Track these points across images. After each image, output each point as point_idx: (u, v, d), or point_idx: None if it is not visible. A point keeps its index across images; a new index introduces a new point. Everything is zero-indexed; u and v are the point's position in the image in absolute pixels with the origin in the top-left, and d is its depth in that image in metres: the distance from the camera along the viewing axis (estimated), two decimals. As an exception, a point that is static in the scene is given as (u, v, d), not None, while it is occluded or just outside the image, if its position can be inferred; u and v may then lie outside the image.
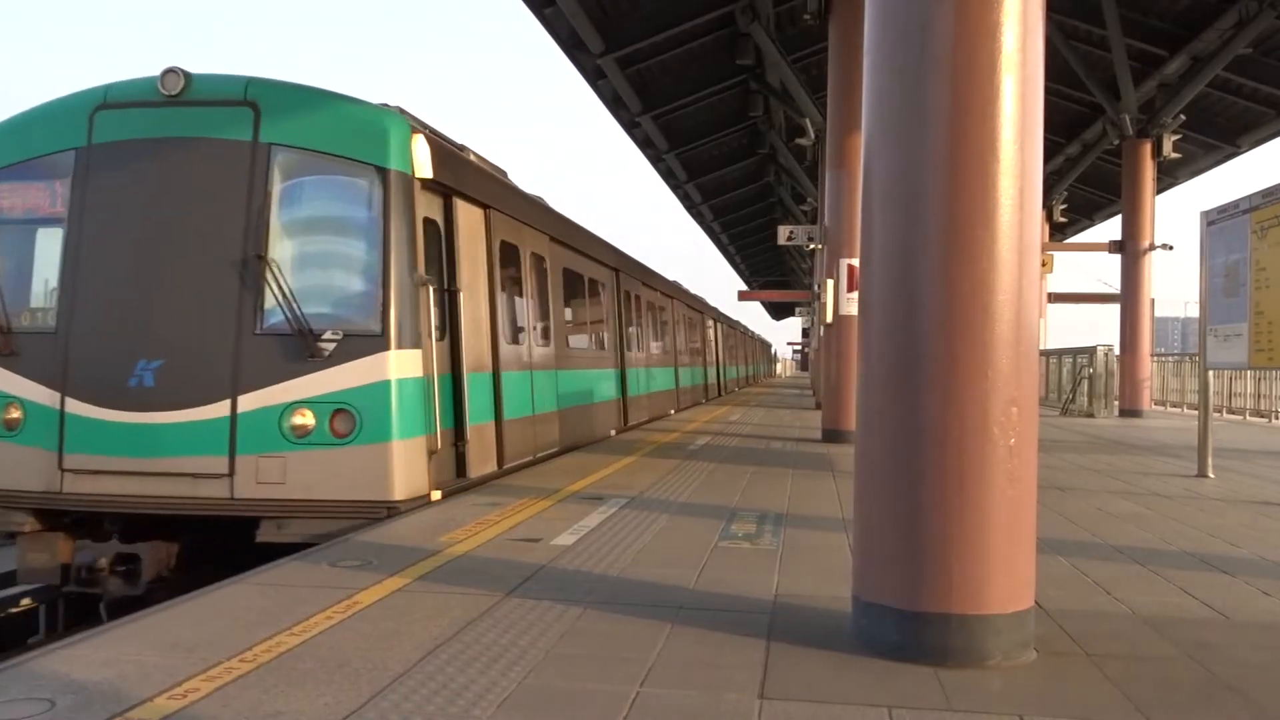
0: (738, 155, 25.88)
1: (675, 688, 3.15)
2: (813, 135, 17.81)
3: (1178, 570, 5.07)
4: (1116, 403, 19.57)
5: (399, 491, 6.42)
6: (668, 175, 25.74)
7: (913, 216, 3.47)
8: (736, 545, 5.51)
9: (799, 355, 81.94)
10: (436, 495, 6.87)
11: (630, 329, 15.66)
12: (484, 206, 8.39)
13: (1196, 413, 10.53)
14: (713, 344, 28.67)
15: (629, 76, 17.43)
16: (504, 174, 10.09)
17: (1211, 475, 9.12)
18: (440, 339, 7.23)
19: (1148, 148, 18.97)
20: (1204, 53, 17.13)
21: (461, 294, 7.64)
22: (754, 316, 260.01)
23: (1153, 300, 19.30)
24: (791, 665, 3.38)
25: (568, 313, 11.59)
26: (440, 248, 7.51)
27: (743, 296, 34.32)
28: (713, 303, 30.88)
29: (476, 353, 7.95)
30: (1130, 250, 19.25)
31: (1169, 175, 22.55)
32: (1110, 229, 31.17)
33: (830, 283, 12.01)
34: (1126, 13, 16.90)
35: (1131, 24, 17.18)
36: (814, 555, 5.25)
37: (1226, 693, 3.20)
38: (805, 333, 48.69)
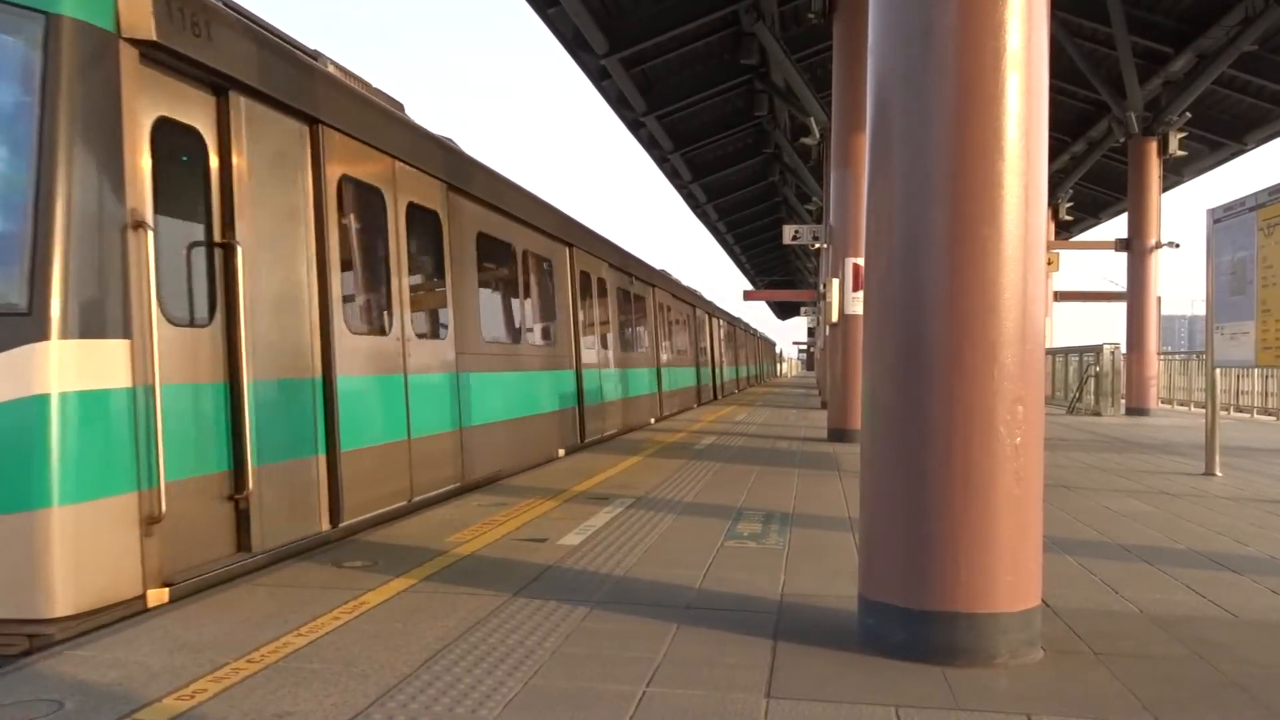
0: (742, 155, 25.90)
1: (682, 687, 3.15)
2: (817, 134, 17.81)
3: (1185, 569, 5.06)
4: (1123, 401, 19.55)
5: (61, 601, 3.76)
6: (673, 175, 25.77)
7: (918, 215, 3.47)
8: (743, 545, 5.51)
9: (804, 355, 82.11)
10: (162, 596, 4.21)
11: (591, 321, 13.09)
12: (310, 120, 5.71)
13: (1203, 411, 10.50)
14: (708, 341, 27.39)
15: (633, 76, 17.47)
16: (400, 107, 7.63)
17: (1219, 474, 9.10)
18: (202, 324, 4.79)
19: (1153, 145, 18.95)
20: (1210, 50, 17.11)
21: (241, 250, 4.93)
22: (760, 316, 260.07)
23: (1159, 298, 19.27)
24: (798, 664, 3.38)
25: (484, 295, 8.84)
26: (204, 174, 4.90)
27: (748, 296, 34.32)
28: (713, 299, 30.70)
29: (279, 346, 5.32)
30: (1136, 248, 19.23)
31: (1175, 173, 22.51)
32: (1116, 227, 31.20)
33: (835, 282, 11.98)
34: (1132, 10, 16.90)
35: (1137, 21, 17.17)
36: (820, 554, 5.25)
37: (1235, 691, 3.20)
38: (811, 332, 48.74)
